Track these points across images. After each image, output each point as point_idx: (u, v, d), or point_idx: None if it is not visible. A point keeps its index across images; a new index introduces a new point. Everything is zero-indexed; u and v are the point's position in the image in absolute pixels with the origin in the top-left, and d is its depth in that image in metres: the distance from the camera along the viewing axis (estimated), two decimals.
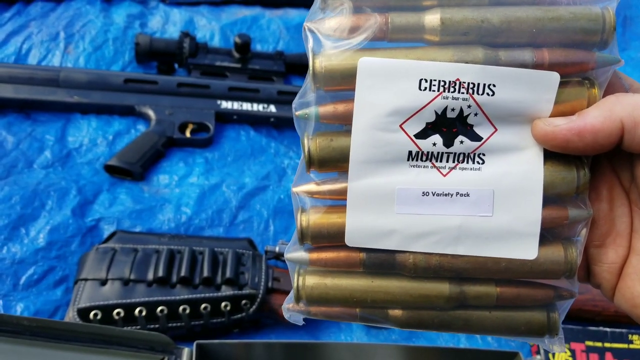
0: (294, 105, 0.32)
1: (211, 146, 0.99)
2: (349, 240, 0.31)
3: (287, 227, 0.90)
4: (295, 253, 0.33)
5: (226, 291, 0.70)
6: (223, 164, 0.97)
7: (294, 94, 1.14)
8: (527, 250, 0.30)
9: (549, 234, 0.31)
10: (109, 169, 0.89)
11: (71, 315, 0.65)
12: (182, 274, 0.69)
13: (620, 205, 0.32)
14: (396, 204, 0.30)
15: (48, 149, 0.89)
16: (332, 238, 0.32)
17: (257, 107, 1.05)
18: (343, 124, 0.31)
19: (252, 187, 0.93)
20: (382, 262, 0.31)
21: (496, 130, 0.30)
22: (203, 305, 0.69)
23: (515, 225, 0.30)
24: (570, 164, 0.30)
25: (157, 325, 0.67)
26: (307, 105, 0.31)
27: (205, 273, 0.70)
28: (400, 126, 0.30)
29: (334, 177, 0.32)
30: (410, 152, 0.30)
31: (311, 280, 0.32)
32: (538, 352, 0.79)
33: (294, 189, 0.32)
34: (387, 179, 0.30)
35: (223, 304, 0.70)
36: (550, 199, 0.30)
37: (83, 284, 0.67)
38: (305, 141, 0.31)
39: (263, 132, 1.06)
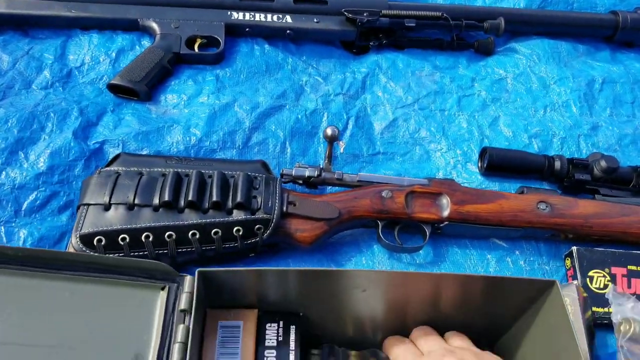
0: None
1: (222, 63, 0.92)
2: None
3: (305, 149, 0.83)
4: None
5: (238, 216, 0.66)
6: (235, 82, 0.90)
7: (313, 2, 1.05)
8: None
9: None
10: (113, 89, 0.83)
11: (74, 242, 0.61)
12: (190, 197, 0.65)
13: None
14: None
15: (47, 68, 0.83)
16: None
17: (271, 18, 0.96)
18: None
19: (266, 106, 0.86)
20: None
21: None
22: (214, 230, 0.65)
23: None
24: None
25: (165, 251, 0.63)
26: None
27: (215, 197, 0.65)
28: None
29: None
30: None
31: None
32: (574, 277, 0.74)
33: None
34: None
35: (235, 228, 0.65)
36: None
37: (85, 209, 0.64)
38: None
39: (279, 46, 0.97)
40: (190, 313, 0.45)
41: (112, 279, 0.48)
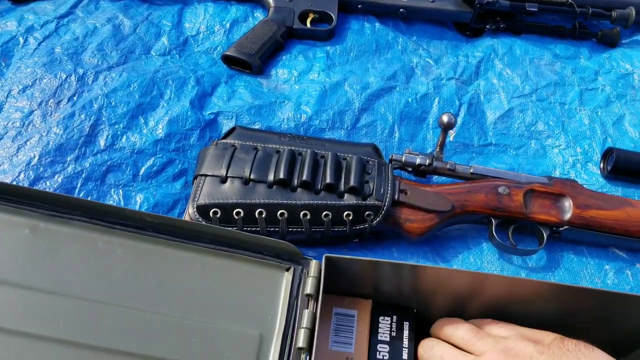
0: None
1: (333, 39, 0.90)
2: None
3: (414, 134, 0.81)
4: None
5: (349, 200, 0.64)
6: (345, 60, 0.88)
7: None
8: None
9: None
10: (227, 60, 0.83)
11: (190, 212, 0.62)
12: (304, 177, 0.64)
13: None
14: None
15: (165, 35, 0.84)
16: None
17: None
18: None
19: (376, 87, 0.84)
20: None
21: None
22: (324, 213, 0.64)
23: None
24: None
25: (277, 229, 0.63)
26: None
27: (328, 179, 0.64)
28: None
29: None
30: None
31: None
32: None
33: None
34: None
35: (345, 213, 0.64)
36: None
37: (202, 180, 0.64)
38: None
39: (390, 25, 0.94)
40: (317, 300, 0.45)
41: (240, 254, 0.48)
